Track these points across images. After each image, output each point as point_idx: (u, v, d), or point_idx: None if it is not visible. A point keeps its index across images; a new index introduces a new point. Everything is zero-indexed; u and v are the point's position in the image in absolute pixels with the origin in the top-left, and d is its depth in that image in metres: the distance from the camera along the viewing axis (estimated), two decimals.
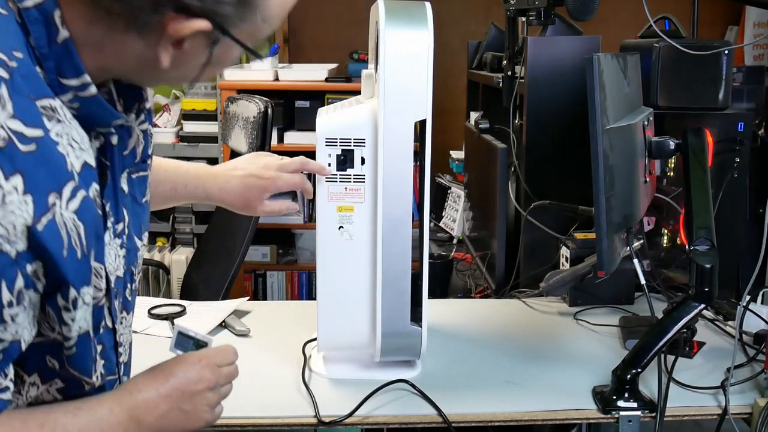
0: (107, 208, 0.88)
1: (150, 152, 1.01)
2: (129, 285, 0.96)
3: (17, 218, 0.71)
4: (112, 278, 0.88)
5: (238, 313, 1.78)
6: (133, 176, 0.95)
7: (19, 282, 0.73)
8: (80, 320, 0.82)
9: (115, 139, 0.89)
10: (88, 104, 0.80)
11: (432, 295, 1.48)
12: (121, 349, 0.95)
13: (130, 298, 0.97)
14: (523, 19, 2.11)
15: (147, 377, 0.93)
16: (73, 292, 0.79)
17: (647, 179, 1.55)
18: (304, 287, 3.69)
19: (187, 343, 1.03)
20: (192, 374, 0.94)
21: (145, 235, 1.01)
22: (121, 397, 0.89)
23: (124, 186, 0.93)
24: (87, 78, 0.79)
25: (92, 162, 0.82)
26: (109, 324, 0.89)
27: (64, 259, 0.76)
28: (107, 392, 0.90)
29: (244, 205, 1.39)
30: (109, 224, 0.89)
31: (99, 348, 0.88)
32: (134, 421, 0.88)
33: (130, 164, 0.94)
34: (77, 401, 0.87)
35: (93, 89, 0.80)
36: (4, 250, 0.71)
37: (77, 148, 0.79)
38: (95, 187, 0.82)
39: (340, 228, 1.39)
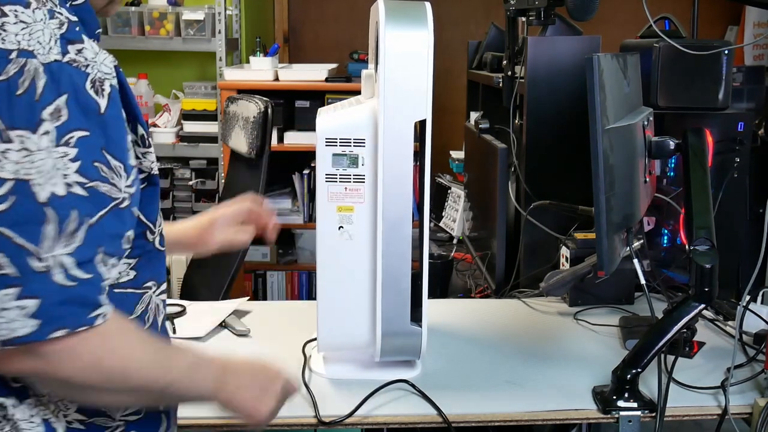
0: None
1: None
2: None
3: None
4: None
5: (238, 313, 1.78)
6: None
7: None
8: (150, 158, 1.00)
9: None
10: (80, 11, 0.96)
11: (432, 295, 1.48)
12: None
13: None
14: (523, 19, 2.11)
15: (243, 358, 1.13)
16: (141, 129, 0.98)
17: (647, 179, 1.55)
18: (304, 287, 3.68)
19: None
20: (275, 368, 1.14)
21: None
22: (220, 357, 1.08)
23: None
24: None
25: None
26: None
27: (131, 95, 0.96)
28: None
29: (198, 238, 1.46)
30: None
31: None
32: (221, 381, 1.05)
33: None
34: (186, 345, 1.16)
35: None
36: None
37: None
38: None
39: (340, 228, 1.39)
